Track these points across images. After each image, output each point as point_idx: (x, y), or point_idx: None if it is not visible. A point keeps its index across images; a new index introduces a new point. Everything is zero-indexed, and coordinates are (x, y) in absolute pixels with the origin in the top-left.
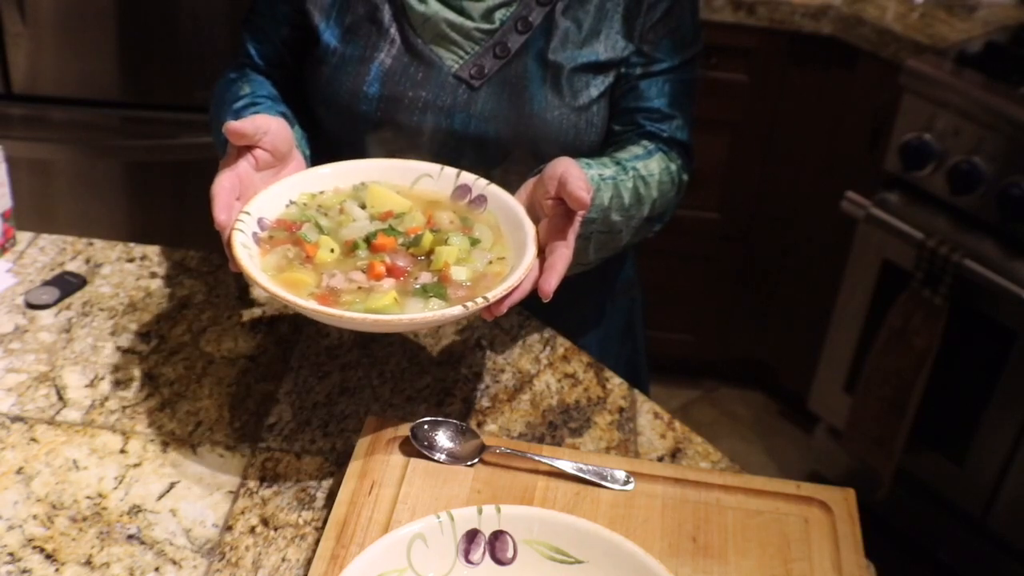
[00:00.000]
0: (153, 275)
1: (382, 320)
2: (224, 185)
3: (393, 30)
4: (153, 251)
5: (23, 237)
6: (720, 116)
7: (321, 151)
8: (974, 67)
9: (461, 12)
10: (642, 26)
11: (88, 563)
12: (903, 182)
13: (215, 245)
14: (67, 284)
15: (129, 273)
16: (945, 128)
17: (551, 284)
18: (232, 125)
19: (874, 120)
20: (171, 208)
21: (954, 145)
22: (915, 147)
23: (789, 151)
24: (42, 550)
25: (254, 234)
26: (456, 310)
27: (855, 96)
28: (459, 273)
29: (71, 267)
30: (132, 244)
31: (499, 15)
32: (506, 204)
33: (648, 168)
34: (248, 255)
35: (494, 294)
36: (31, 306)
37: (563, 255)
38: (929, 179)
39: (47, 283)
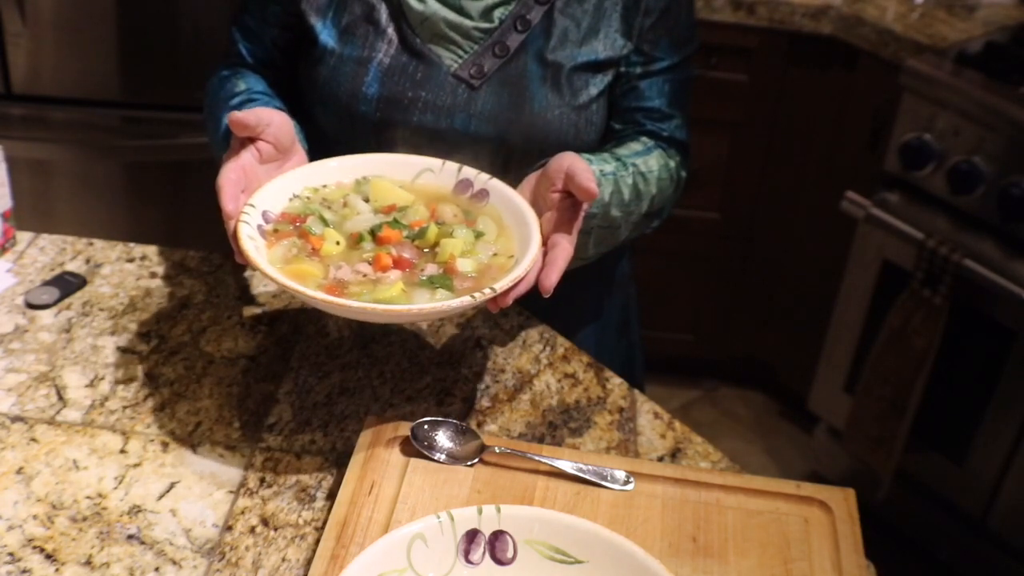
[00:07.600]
0: (153, 275)
1: (391, 310)
2: (230, 177)
3: (391, 30)
4: (153, 251)
5: (23, 237)
6: (720, 116)
7: (318, 151)
8: (974, 67)
9: (460, 11)
10: (641, 25)
11: (88, 563)
12: (903, 182)
13: (215, 245)
14: (67, 284)
15: (129, 273)
16: (945, 128)
17: (552, 280)
18: (235, 115)
19: (874, 120)
20: (171, 208)
21: (954, 145)
22: (915, 147)
23: (789, 151)
24: (42, 550)
25: (259, 227)
26: (464, 300)
27: (855, 96)
28: (465, 265)
29: (71, 267)
30: (132, 244)
31: (498, 14)
32: (508, 198)
33: (647, 164)
34: (255, 247)
35: (501, 285)
36: (31, 306)
37: (565, 250)
38: (929, 179)
39: (47, 283)
